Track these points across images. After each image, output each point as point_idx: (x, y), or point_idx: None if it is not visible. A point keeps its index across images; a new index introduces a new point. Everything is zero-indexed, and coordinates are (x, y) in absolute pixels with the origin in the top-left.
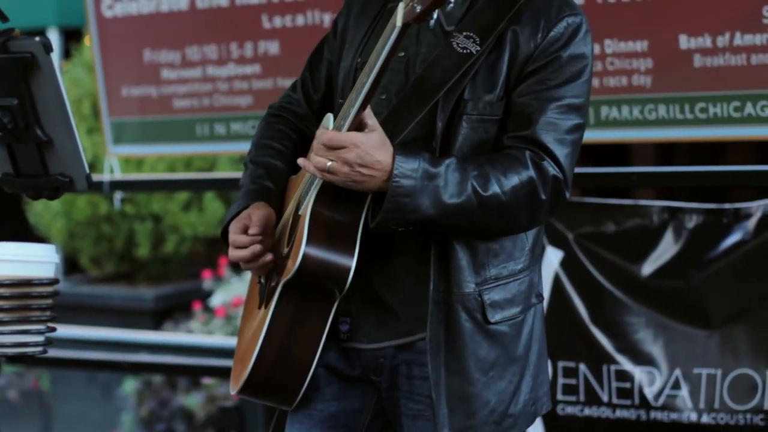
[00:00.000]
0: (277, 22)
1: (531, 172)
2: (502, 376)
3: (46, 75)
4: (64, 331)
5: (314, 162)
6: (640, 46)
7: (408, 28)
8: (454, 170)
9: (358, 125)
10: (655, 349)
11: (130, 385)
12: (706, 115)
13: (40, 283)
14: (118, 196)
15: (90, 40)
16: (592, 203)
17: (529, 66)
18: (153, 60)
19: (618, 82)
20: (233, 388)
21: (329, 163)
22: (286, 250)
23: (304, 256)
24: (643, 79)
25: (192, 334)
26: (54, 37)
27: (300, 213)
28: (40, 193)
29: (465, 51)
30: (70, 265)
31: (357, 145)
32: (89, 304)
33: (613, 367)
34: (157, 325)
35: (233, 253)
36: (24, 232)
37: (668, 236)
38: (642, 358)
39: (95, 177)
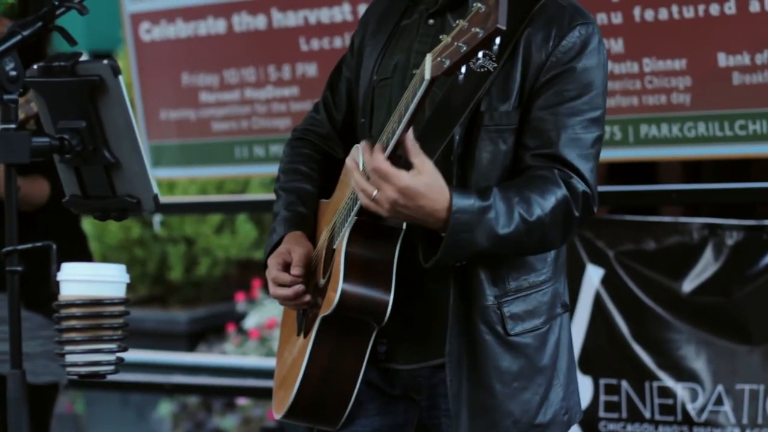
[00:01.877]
0: (315, 44)
1: (564, 191)
2: (526, 386)
3: (113, 97)
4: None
5: (362, 186)
6: (679, 64)
7: (436, 81)
8: (500, 200)
9: (400, 160)
10: (697, 365)
11: (165, 408)
12: (746, 132)
13: (112, 302)
14: (157, 218)
15: (128, 64)
16: (632, 221)
17: (543, 76)
18: (191, 83)
19: (657, 100)
20: (277, 413)
21: (375, 193)
22: (322, 281)
23: (342, 293)
24: (682, 97)
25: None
26: None
27: (335, 247)
28: (107, 215)
29: (483, 70)
30: None
31: (401, 189)
32: None
33: (655, 384)
34: (191, 348)
35: (275, 291)
36: (83, 252)
37: (708, 253)
38: (684, 375)
39: None
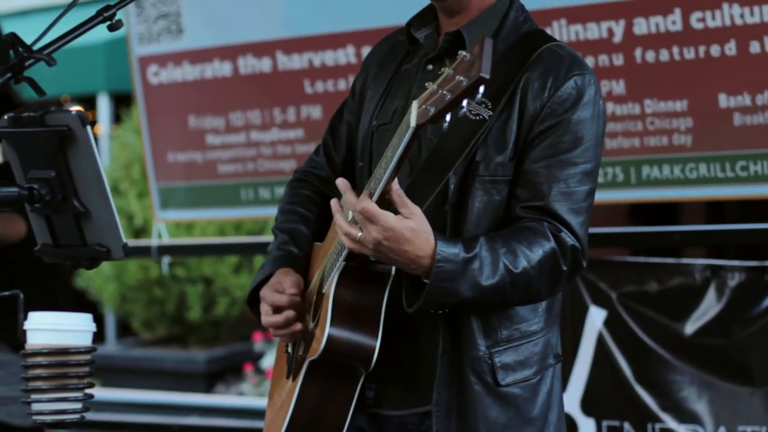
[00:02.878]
0: (319, 86)
1: (553, 244)
2: None
3: (82, 147)
4: (117, 394)
5: (344, 230)
6: (680, 105)
7: (421, 128)
8: (486, 250)
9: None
10: (699, 406)
11: None
12: (747, 173)
13: (78, 351)
14: (166, 260)
15: (137, 107)
16: (635, 262)
17: (537, 126)
18: (198, 126)
19: (659, 141)
20: None
21: (360, 234)
22: (311, 325)
23: (329, 338)
24: (683, 138)
25: (243, 396)
26: (104, 102)
27: (324, 292)
28: (78, 263)
29: (478, 118)
30: (123, 328)
31: (386, 230)
32: (141, 366)
33: (657, 426)
34: (209, 387)
35: (267, 319)
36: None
37: (711, 294)
38: (686, 416)
39: (146, 242)
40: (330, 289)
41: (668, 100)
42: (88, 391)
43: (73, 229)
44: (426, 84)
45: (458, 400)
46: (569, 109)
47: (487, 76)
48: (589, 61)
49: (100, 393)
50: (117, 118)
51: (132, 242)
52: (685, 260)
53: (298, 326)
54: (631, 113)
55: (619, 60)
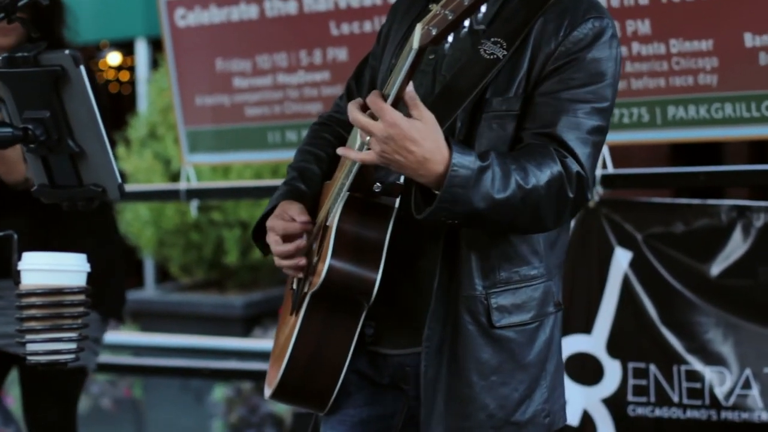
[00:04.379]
0: (345, 28)
1: (560, 167)
2: (505, 381)
3: (76, 88)
4: (155, 338)
5: (361, 123)
6: (706, 45)
7: (425, 50)
8: (497, 164)
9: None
10: (725, 348)
11: (220, 392)
12: None
13: (71, 291)
14: (194, 204)
15: (165, 51)
16: (660, 203)
17: (550, 65)
18: (225, 69)
19: (684, 81)
20: (266, 391)
21: (366, 138)
22: (315, 259)
23: (329, 269)
24: (709, 78)
25: None
26: (142, 47)
27: (328, 224)
28: (75, 204)
29: (492, 56)
30: (161, 273)
31: (390, 125)
32: (180, 311)
33: (683, 368)
34: (246, 332)
35: (278, 248)
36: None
37: (737, 235)
38: (712, 358)
39: (174, 185)
40: (333, 220)
41: (693, 39)
42: (82, 332)
43: (69, 170)
44: (430, 6)
45: (451, 338)
46: (584, 48)
47: None
48: (614, 0)
49: (138, 337)
50: (155, 63)
51: (163, 186)
52: (710, 201)
53: (303, 260)
54: (657, 53)
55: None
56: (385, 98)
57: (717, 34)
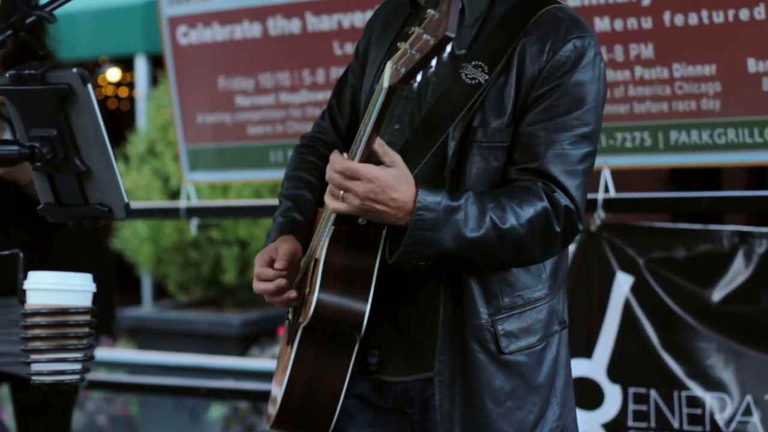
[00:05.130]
0: (348, 48)
1: (545, 203)
2: (520, 405)
3: (83, 106)
4: (152, 356)
5: (328, 189)
6: (709, 69)
7: (395, 89)
8: (472, 203)
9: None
10: (726, 374)
11: (216, 411)
12: None
13: (77, 311)
14: (194, 222)
15: (167, 68)
16: (662, 228)
17: (535, 91)
18: (227, 87)
19: (687, 106)
20: (267, 422)
21: (342, 193)
22: (307, 290)
23: (318, 303)
24: (712, 102)
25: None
26: (142, 63)
27: (317, 257)
28: (80, 223)
29: (474, 81)
30: (158, 290)
31: (371, 180)
32: (177, 329)
33: (684, 393)
34: (243, 351)
35: (258, 286)
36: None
37: (739, 261)
38: (713, 384)
39: (175, 203)
40: (321, 254)
41: (697, 64)
42: (87, 352)
43: (75, 189)
44: (398, 44)
45: (462, 368)
46: (567, 72)
47: (453, 35)
48: (618, 24)
49: (135, 355)
50: (154, 80)
51: (163, 204)
52: (713, 226)
53: (293, 294)
54: (660, 77)
55: (647, 23)
56: (353, 157)
57: (720, 59)
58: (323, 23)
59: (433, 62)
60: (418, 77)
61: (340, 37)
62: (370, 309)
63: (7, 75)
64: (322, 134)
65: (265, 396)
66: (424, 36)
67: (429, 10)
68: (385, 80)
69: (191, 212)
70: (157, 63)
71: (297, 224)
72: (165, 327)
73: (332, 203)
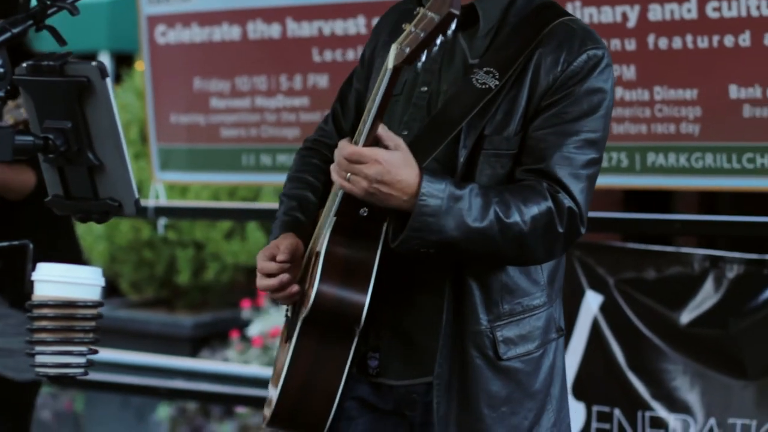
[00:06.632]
0: (327, 55)
1: (549, 203)
2: (515, 411)
3: (100, 99)
4: (101, 353)
5: (334, 175)
6: (690, 94)
7: (401, 70)
8: (476, 195)
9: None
10: (691, 397)
11: (163, 411)
12: (754, 165)
13: (85, 305)
14: (162, 221)
15: (143, 66)
16: (634, 249)
17: (546, 99)
18: (203, 88)
19: (666, 129)
20: (263, 420)
21: (349, 175)
22: (307, 285)
23: (317, 293)
24: (691, 127)
25: (228, 362)
26: (105, 61)
27: (318, 250)
28: (89, 216)
29: (484, 86)
30: (110, 289)
31: (378, 162)
32: (127, 328)
33: (648, 414)
34: (194, 352)
35: (261, 282)
36: (70, 246)
37: (708, 285)
38: (677, 406)
39: (143, 202)
40: (322, 245)
41: (678, 88)
42: (93, 347)
43: (86, 182)
44: (404, 25)
45: (459, 373)
46: (579, 81)
47: (457, 12)
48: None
49: None
50: (117, 78)
51: None
52: (684, 249)
53: (295, 288)
54: (640, 99)
55: (631, 45)
56: (356, 142)
57: (702, 84)
58: (303, 29)
59: (438, 40)
60: (423, 57)
61: (320, 44)
62: (371, 310)
63: (24, 65)
64: (325, 137)
65: (214, 397)
66: (429, 14)
67: None
68: (390, 60)
69: (159, 212)
70: (120, 61)
71: (299, 223)
72: (115, 325)
73: (343, 183)
